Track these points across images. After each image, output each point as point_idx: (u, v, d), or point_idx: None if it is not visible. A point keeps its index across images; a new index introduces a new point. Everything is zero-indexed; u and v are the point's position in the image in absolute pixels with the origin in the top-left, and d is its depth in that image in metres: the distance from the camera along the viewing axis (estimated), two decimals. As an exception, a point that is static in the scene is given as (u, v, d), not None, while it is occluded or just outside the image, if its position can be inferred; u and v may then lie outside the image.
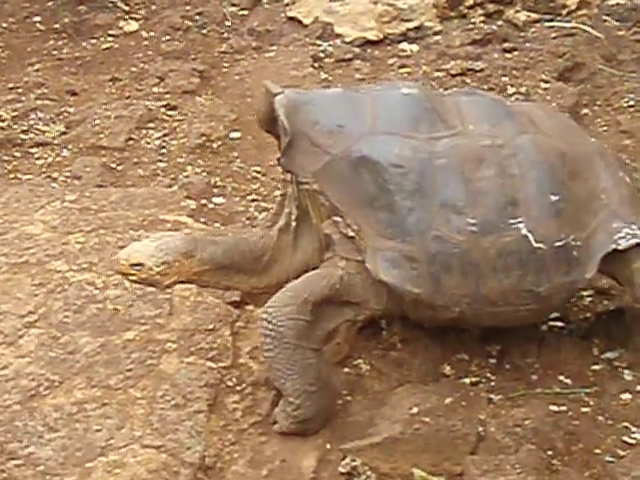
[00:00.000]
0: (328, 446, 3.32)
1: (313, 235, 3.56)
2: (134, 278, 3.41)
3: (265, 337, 3.27)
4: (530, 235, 3.36)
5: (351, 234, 3.36)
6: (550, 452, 3.26)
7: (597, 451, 3.30)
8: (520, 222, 3.37)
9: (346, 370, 3.63)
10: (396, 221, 3.33)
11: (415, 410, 3.34)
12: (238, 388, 3.52)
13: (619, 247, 3.44)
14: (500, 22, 6.39)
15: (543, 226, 3.39)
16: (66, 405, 3.37)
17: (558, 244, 3.40)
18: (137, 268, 3.37)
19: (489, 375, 3.63)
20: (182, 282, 3.50)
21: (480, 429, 3.32)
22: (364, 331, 3.74)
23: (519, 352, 3.70)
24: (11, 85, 5.92)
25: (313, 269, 3.52)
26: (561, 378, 3.62)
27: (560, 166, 3.48)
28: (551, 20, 6.37)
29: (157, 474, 3.15)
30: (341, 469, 3.22)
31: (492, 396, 3.51)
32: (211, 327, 3.74)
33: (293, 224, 3.59)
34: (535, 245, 3.37)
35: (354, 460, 3.24)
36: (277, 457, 3.27)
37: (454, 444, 3.27)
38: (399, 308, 3.47)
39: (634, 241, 3.46)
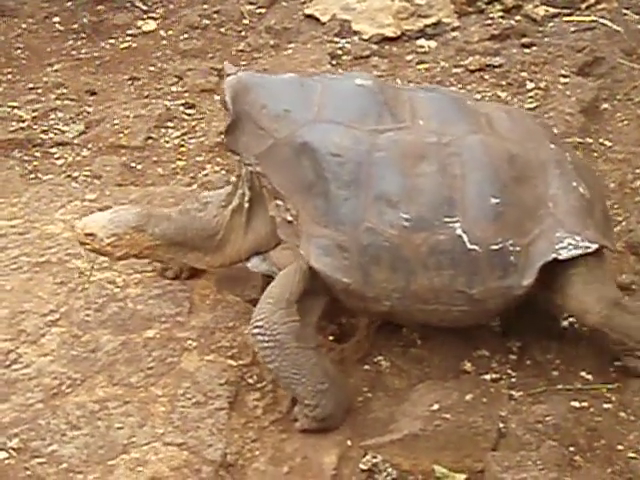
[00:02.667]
0: (349, 443, 3.33)
1: (267, 217, 3.53)
2: (88, 247, 3.58)
3: (264, 350, 3.27)
4: (465, 236, 3.30)
5: (290, 218, 3.36)
6: (572, 448, 3.25)
7: (619, 447, 3.29)
8: (456, 222, 3.31)
9: (366, 367, 3.64)
10: (331, 210, 3.33)
11: (436, 407, 3.33)
12: (259, 386, 3.52)
13: (560, 257, 3.35)
14: (518, 17, 6.34)
15: (480, 228, 3.32)
16: (88, 403, 3.39)
17: (494, 247, 3.32)
18: (90, 238, 3.54)
19: (510, 371, 3.62)
20: (136, 255, 3.63)
21: (501, 425, 3.32)
22: (384, 328, 3.74)
23: (540, 348, 3.69)
24: (31, 85, 5.94)
25: (265, 251, 3.57)
26: (582, 374, 3.60)
27: (506, 169, 3.40)
28: (570, 14, 6.32)
29: (179, 471, 3.17)
30: (362, 466, 3.23)
31: (513, 392, 3.51)
32: (231, 325, 3.75)
33: (246, 205, 3.61)
34: (469, 246, 3.31)
35: (375, 457, 3.24)
36: (298, 454, 3.28)
37: (475, 441, 3.27)
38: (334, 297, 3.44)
39: (576, 252, 3.35)
